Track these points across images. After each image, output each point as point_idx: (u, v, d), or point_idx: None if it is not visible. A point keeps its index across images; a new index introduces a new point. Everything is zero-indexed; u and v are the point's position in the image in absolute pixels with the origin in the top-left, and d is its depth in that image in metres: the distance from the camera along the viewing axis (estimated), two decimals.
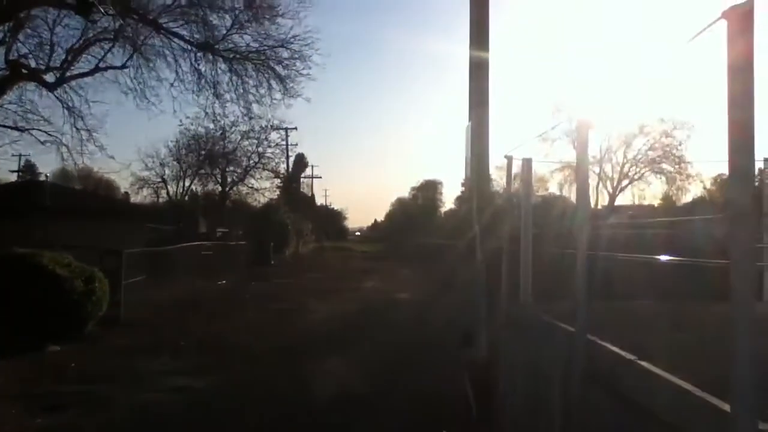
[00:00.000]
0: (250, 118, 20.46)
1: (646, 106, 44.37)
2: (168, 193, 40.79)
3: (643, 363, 3.20)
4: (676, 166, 46.13)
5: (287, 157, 46.98)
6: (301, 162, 60.53)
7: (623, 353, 3.48)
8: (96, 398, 7.97)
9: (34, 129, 18.83)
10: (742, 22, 2.18)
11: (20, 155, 39.03)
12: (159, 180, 40.29)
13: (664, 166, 47.31)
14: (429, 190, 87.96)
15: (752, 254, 2.16)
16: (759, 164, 6.81)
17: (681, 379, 2.81)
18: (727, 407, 2.26)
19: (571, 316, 4.34)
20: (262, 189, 41.32)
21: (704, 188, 48.30)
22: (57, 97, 18.24)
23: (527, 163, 6.45)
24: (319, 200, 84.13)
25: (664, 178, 48.07)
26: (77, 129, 18.69)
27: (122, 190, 46.34)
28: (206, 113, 19.39)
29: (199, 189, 42.24)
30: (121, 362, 10.04)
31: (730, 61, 2.24)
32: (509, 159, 6.56)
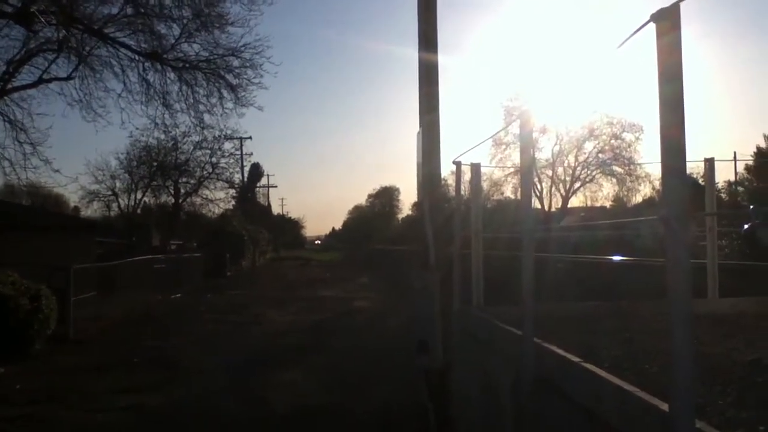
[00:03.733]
0: (203, 128, 20.11)
1: (595, 109, 45.47)
2: (119, 206, 39.90)
3: (587, 365, 3.22)
4: (626, 168, 47.28)
5: (242, 167, 46.41)
6: (256, 171, 60.01)
7: (568, 355, 3.50)
8: (41, 420, 7.68)
9: None
10: (669, 25, 2.21)
11: None
12: (110, 193, 39.35)
13: (614, 168, 48.43)
14: (386, 196, 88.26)
15: (687, 254, 2.18)
16: (700, 164, 7.01)
17: (623, 380, 2.83)
18: (666, 407, 2.28)
19: (520, 319, 4.36)
20: (217, 200, 40.71)
21: (653, 189, 49.63)
22: None
23: (476, 168, 6.48)
24: (276, 209, 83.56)
25: (614, 180, 49.24)
26: (20, 143, 18.08)
27: (72, 205, 45.16)
28: (156, 124, 18.97)
29: (152, 201, 41.43)
30: (69, 381, 9.70)
31: (660, 63, 2.27)
32: (458, 164, 6.57)
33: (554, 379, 3.68)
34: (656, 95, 2.28)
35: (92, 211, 39.80)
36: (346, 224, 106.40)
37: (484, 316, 5.34)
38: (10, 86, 17.67)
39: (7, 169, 18.56)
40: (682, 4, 2.20)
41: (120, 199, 39.60)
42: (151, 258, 24.08)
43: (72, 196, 46.86)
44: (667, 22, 2.16)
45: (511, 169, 45.17)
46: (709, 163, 6.75)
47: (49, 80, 18.00)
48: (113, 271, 18.37)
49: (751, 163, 45.42)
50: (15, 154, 18.22)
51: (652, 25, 2.31)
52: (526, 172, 4.12)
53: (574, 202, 51.03)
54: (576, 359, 3.42)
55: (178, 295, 23.15)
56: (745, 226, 7.39)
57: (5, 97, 17.68)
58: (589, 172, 49.35)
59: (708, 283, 6.48)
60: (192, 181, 39.42)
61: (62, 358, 11.47)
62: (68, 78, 17.96)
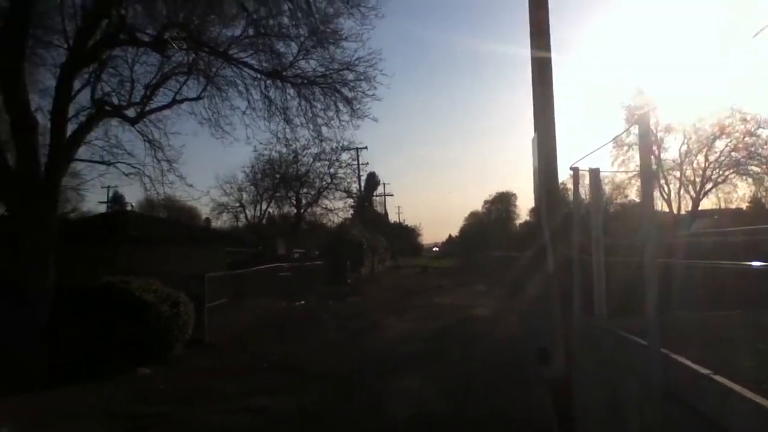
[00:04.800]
0: (321, 141, 20.83)
1: (726, 104, 42.45)
2: (246, 217, 42.18)
3: (718, 378, 3.08)
4: (764, 167, 43.78)
5: (359, 177, 47.58)
6: (372, 181, 61.25)
7: (698, 368, 3.36)
8: (178, 419, 8.29)
9: (119, 162, 19.83)
10: None
11: (108, 187, 41.22)
12: (237, 205, 41.73)
13: (750, 167, 44.97)
14: (503, 202, 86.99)
15: None
16: None
17: (757, 394, 2.69)
18: None
19: (646, 329, 4.21)
20: (336, 209, 42.03)
21: None
22: (138, 131, 19.17)
23: (595, 174, 6.32)
24: (392, 218, 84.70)
25: (750, 180, 45.71)
26: (158, 160, 19.57)
27: (203, 216, 48.22)
28: (278, 138, 19.92)
29: (276, 212, 43.44)
30: (204, 383, 10.39)
31: None
32: (575, 170, 6.44)
33: (683, 393, 3.55)
34: None
35: (222, 222, 42.44)
36: (462, 231, 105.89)
37: (607, 326, 5.19)
38: (148, 108, 19.23)
39: (147, 185, 20.15)
40: None
41: (247, 210, 41.97)
42: (276, 266, 25.22)
43: (204, 208, 49.90)
44: None
45: (634, 172, 43.09)
46: None
47: (181, 101, 19.40)
48: (242, 279, 19.46)
49: None
50: (153, 171, 19.76)
51: None
52: (647, 179, 3.99)
53: (706, 204, 47.89)
54: (706, 371, 3.28)
55: (302, 302, 24.04)
56: None
57: (144, 119, 19.26)
58: (721, 172, 46.16)
59: None
60: (312, 192, 40.98)
61: (199, 362, 12.29)
62: (198, 98, 19.27)
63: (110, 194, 46.21)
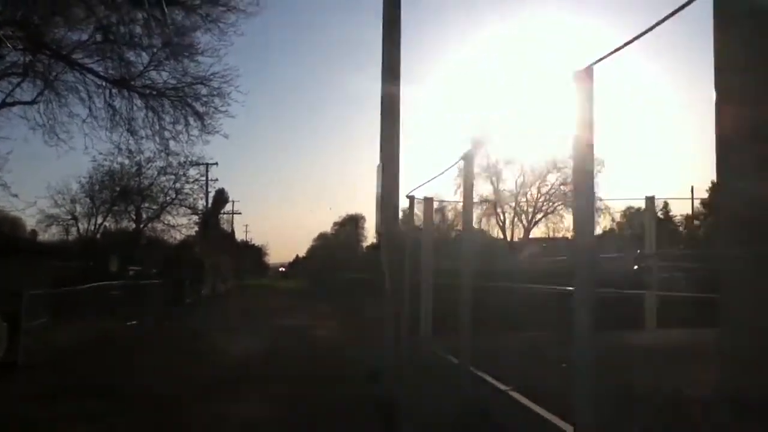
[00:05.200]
0: (168, 155, 20.18)
1: (558, 142, 46.44)
2: (79, 230, 39.28)
3: (514, 394, 3.39)
4: None
5: (206, 193, 46.20)
6: (221, 198, 59.58)
7: (498, 384, 3.67)
8: None
9: None
10: (584, 83, 2.44)
11: None
12: (69, 217, 38.77)
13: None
14: (351, 225, 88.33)
15: (591, 288, 2.37)
16: (640, 203, 7.36)
17: (543, 409, 3.00)
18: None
19: (470, 349, 4.50)
20: (179, 225, 40.40)
21: (613, 221, 50.78)
22: None
23: (428, 203, 6.68)
24: (240, 236, 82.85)
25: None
26: None
27: (29, 228, 44.19)
28: (120, 149, 18.98)
29: (113, 226, 40.88)
30: (11, 409, 9.51)
31: (577, 113, 2.50)
32: (411, 199, 6.78)
33: (486, 406, 3.85)
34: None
35: (50, 235, 39.12)
36: (310, 252, 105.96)
37: (430, 346, 5.49)
38: None
39: None
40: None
41: (80, 224, 39.05)
42: (108, 284, 23.71)
43: (30, 219, 45.85)
44: (582, 80, 2.38)
45: (476, 200, 45.83)
46: (650, 201, 7.08)
47: (13, 104, 17.88)
48: (69, 296, 18.06)
49: (705, 197, 46.85)
50: None
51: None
52: (467, 211, 4.32)
53: (537, 232, 51.94)
54: (504, 388, 3.60)
55: (134, 322, 22.78)
56: (635, 267, 7.81)
57: None
58: (551, 203, 50.42)
59: (646, 315, 6.75)
60: (154, 207, 39.11)
61: (8, 387, 11.22)
62: (33, 102, 17.87)
63: None
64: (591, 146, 2.51)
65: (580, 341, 2.35)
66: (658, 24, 2.59)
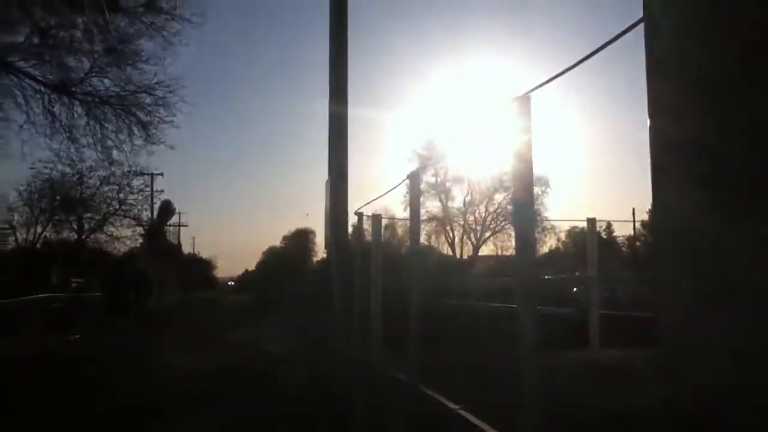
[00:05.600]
0: (110, 164, 19.75)
1: (503, 161, 47.37)
2: (17, 240, 37.93)
3: (462, 412, 3.46)
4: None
5: (152, 204, 45.26)
6: (167, 209, 58.36)
7: (449, 403, 3.73)
8: None
9: None
10: (521, 109, 2.54)
11: None
12: (7, 226, 37.42)
13: None
14: (301, 239, 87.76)
15: (533, 308, 2.46)
16: (584, 223, 7.60)
17: (492, 427, 3.08)
18: None
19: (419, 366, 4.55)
20: (123, 237, 39.47)
21: (558, 240, 51.96)
22: None
23: (377, 220, 6.75)
24: (187, 249, 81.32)
25: None
26: None
27: None
28: (60, 157, 18.46)
29: (54, 236, 39.62)
30: None
31: (516, 138, 2.59)
32: (360, 215, 6.84)
33: (435, 424, 3.90)
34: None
35: None
36: (259, 266, 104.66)
37: (379, 362, 5.52)
38: None
39: None
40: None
41: (18, 233, 37.73)
42: (48, 296, 22.97)
43: None
44: (520, 107, 2.49)
45: (424, 217, 46.18)
46: (591, 222, 7.32)
47: None
48: (5, 309, 17.41)
49: (646, 219, 48.47)
50: None
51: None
52: (415, 228, 4.41)
53: (485, 250, 52.70)
54: (453, 406, 3.66)
55: (77, 336, 22.08)
56: (575, 290, 8.07)
57: None
58: (498, 222, 51.27)
59: (590, 334, 6.95)
60: (97, 217, 38.13)
61: None
62: None
63: None
64: (530, 171, 2.61)
65: (523, 359, 2.43)
66: (590, 56, 2.73)
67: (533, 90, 2.46)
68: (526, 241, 2.56)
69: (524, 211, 2.55)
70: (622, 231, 55.81)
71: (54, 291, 26.41)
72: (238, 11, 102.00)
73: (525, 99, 2.51)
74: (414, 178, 4.08)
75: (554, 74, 2.64)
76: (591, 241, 7.39)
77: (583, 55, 2.87)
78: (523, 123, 2.52)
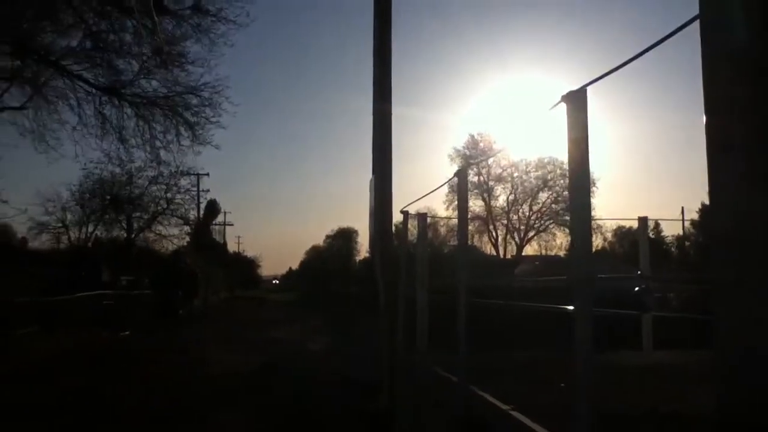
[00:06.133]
0: (158, 164, 20.18)
1: (550, 161, 46.70)
2: (70, 239, 39.09)
3: (514, 413, 3.39)
4: None
5: (198, 204, 46.13)
6: (213, 208, 59.37)
7: (500, 404, 3.67)
8: None
9: None
10: (576, 105, 2.47)
11: None
12: (60, 225, 38.58)
13: (567, 218, 49.64)
14: (344, 238, 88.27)
15: (589, 311, 2.39)
16: (632, 223, 7.42)
17: (538, 424, 3.01)
18: None
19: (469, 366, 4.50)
20: (171, 236, 40.31)
21: (605, 240, 50.99)
22: None
23: (422, 219, 6.71)
24: (232, 248, 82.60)
25: (567, 230, 50.47)
26: None
27: (19, 236, 43.94)
28: (110, 158, 18.96)
29: (104, 235, 40.70)
30: None
31: (569, 136, 2.52)
32: (405, 214, 6.80)
33: (486, 425, 3.84)
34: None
35: (41, 243, 38.90)
36: (303, 264, 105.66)
37: (426, 362, 5.48)
38: None
39: None
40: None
41: (70, 232, 38.87)
42: (100, 294, 23.61)
43: (20, 227, 45.68)
44: (575, 102, 2.42)
45: (469, 216, 45.81)
46: (643, 221, 7.12)
47: (1, 109, 17.79)
48: (58, 305, 17.97)
49: (696, 218, 47.18)
50: None
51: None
52: (462, 227, 4.35)
53: (529, 250, 52.04)
54: (505, 407, 3.60)
55: (127, 332, 22.63)
56: (635, 289, 7.83)
57: None
58: (543, 221, 50.56)
59: (643, 336, 6.77)
60: (145, 216, 39.04)
61: None
62: (21, 108, 17.80)
63: None
64: (586, 168, 2.54)
65: (580, 361, 2.36)
66: (646, 51, 2.63)
67: (590, 84, 2.38)
68: (583, 239, 2.49)
69: (580, 209, 2.48)
70: (671, 230, 54.51)
71: (104, 289, 27.15)
72: (281, 10, 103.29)
73: (581, 93, 2.45)
74: (462, 175, 4.03)
75: (609, 69, 2.57)
76: (643, 240, 7.20)
77: (635, 52, 2.78)
78: (578, 118, 2.45)
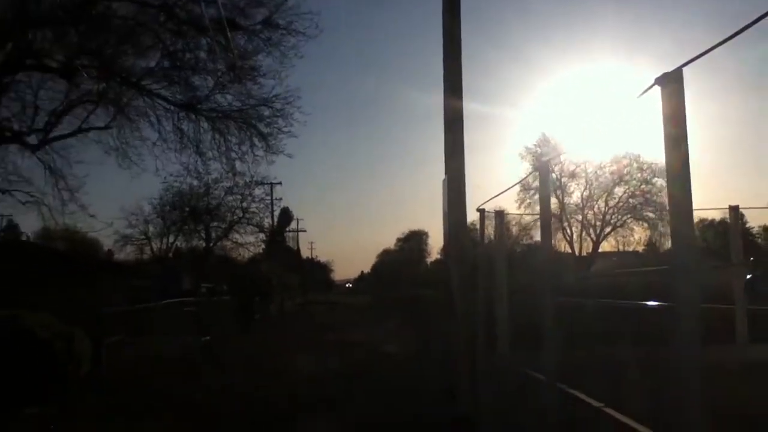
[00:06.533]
0: (234, 175, 20.77)
1: (624, 154, 45.24)
2: (152, 249, 40.74)
3: (609, 410, 3.27)
4: (658, 213, 46.80)
5: (272, 212, 47.15)
6: (286, 216, 60.66)
7: (591, 401, 3.55)
8: None
9: (15, 190, 18.92)
10: (672, 87, 2.35)
11: (1, 216, 39.01)
12: (143, 237, 40.30)
13: (645, 212, 47.95)
14: (414, 240, 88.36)
15: (695, 302, 2.27)
16: (712, 213, 7.05)
17: (643, 425, 2.88)
18: None
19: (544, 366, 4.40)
20: (247, 244, 41.41)
21: None
22: (39, 159, 18.41)
23: (500, 216, 6.59)
24: (305, 253, 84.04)
25: (646, 225, 48.74)
26: (58, 189, 18.82)
27: (106, 248, 46.13)
28: (189, 171, 19.65)
29: (184, 245, 42.20)
30: (97, 426, 9.85)
31: (665, 120, 2.40)
32: (482, 212, 6.70)
33: (578, 424, 3.72)
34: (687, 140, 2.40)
35: (126, 254, 40.76)
36: (375, 268, 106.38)
37: (508, 363, 5.38)
38: (51, 136, 18.44)
39: (46, 214, 19.25)
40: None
41: (153, 243, 40.54)
42: (182, 301, 24.42)
43: (106, 240, 47.85)
44: (671, 84, 2.30)
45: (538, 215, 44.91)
46: (734, 210, 6.75)
47: (88, 129, 18.77)
48: (144, 313, 18.71)
49: None
50: (53, 200, 18.92)
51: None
52: (545, 224, 4.24)
53: (606, 246, 50.54)
54: (598, 404, 3.48)
55: (207, 338, 23.29)
56: (748, 276, 7.38)
57: (47, 146, 18.43)
58: (619, 216, 48.99)
59: (737, 329, 6.43)
60: (223, 226, 40.22)
61: (93, 401, 11.62)
62: (106, 127, 18.72)
63: (4, 223, 43.55)
64: (685, 154, 2.41)
65: (682, 359, 2.24)
66: (742, 30, 2.48)
67: (686, 65, 2.26)
68: (684, 231, 2.37)
69: (681, 198, 2.36)
70: (757, 221, 51.66)
71: (186, 296, 28.09)
72: (349, 16, 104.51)
73: (677, 74, 2.33)
74: (544, 169, 3.92)
75: (706, 49, 2.43)
76: (734, 230, 6.82)
77: (707, 47, 2.62)
78: (674, 101, 2.33)
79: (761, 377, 4.74)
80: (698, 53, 2.51)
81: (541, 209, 4.11)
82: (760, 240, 52.80)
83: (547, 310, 3.98)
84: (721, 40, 2.59)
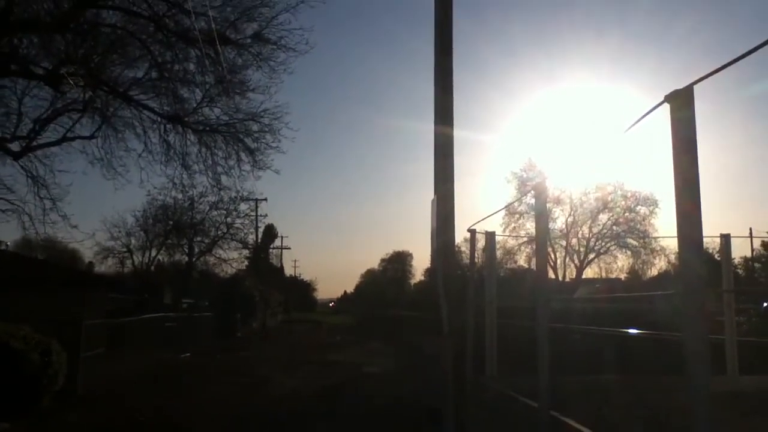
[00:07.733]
0: (220, 189, 20.52)
1: (609, 182, 45.65)
2: (134, 263, 40.24)
3: None
4: (641, 241, 47.14)
5: (256, 228, 46.87)
6: (270, 233, 60.38)
7: (584, 429, 3.44)
8: None
9: None
10: (682, 104, 2.28)
11: None
12: (125, 250, 39.80)
13: (629, 240, 48.26)
14: (399, 261, 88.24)
15: (703, 328, 2.18)
16: (715, 240, 7.03)
17: None
18: None
19: (536, 391, 4.29)
20: (230, 260, 41.00)
21: (669, 262, 49.24)
22: (21, 166, 18.09)
23: (491, 237, 6.51)
24: (288, 271, 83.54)
25: (629, 252, 49.00)
26: (40, 198, 18.48)
27: (86, 260, 45.54)
28: (174, 184, 19.38)
29: (166, 259, 41.74)
30: None
31: (674, 139, 2.33)
32: (472, 233, 6.61)
33: None
34: (670, 169, 2.34)
35: (106, 267, 40.20)
36: (358, 288, 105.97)
37: (498, 387, 5.26)
38: (35, 143, 18.17)
39: (27, 223, 18.89)
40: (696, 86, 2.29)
41: (134, 256, 40.04)
42: (162, 316, 24.04)
43: (87, 251, 47.31)
44: (681, 102, 2.23)
45: (525, 239, 45.13)
46: (726, 238, 6.73)
47: (73, 138, 18.51)
48: (124, 327, 18.33)
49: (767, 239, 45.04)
50: (35, 209, 18.58)
51: (666, 104, 2.40)
52: (542, 243, 4.14)
53: (589, 273, 50.68)
54: None
55: (188, 354, 22.94)
56: (765, 304, 7.36)
57: (29, 154, 18.15)
58: (603, 243, 49.24)
59: (727, 360, 6.35)
60: (206, 241, 39.79)
61: (68, 416, 11.31)
62: (91, 137, 18.47)
63: None
64: (695, 174, 2.34)
65: (693, 388, 2.14)
66: (753, 51, 2.43)
67: (697, 82, 2.19)
68: (692, 253, 2.28)
69: (689, 221, 2.27)
70: (738, 252, 52.13)
71: (167, 311, 27.68)
72: (340, 36, 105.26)
73: (687, 92, 2.26)
74: (540, 190, 3.83)
75: (716, 68, 2.37)
76: (726, 258, 6.81)
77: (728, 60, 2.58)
78: (684, 118, 2.26)
79: (752, 407, 4.66)
80: (689, 80, 2.46)
81: (537, 229, 4.02)
82: (740, 270, 53.26)
83: (542, 333, 3.88)
84: (715, 68, 2.54)
